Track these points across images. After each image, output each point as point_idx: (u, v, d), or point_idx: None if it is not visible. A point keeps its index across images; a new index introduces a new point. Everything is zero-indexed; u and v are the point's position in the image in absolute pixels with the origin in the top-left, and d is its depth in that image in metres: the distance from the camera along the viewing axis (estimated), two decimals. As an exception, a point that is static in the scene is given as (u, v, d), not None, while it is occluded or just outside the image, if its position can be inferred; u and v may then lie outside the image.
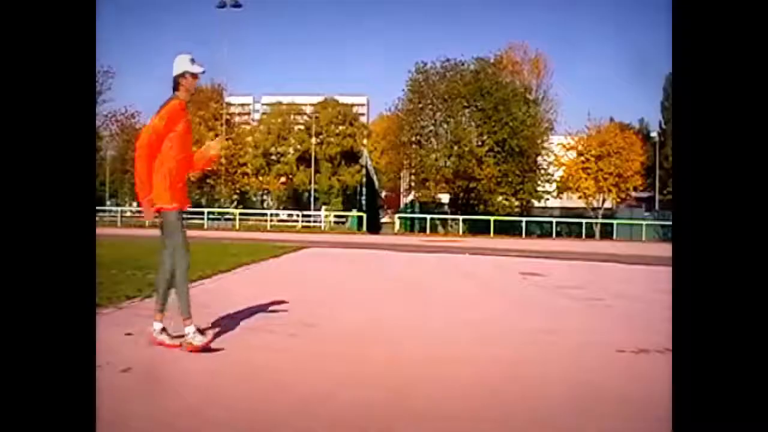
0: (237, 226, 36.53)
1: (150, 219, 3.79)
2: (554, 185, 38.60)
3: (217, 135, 43.69)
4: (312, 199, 57.80)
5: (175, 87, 3.88)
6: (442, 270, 10.84)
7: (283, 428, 2.45)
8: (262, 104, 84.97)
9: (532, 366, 3.63)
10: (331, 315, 5.43)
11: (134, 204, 57.12)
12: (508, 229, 35.40)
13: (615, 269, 12.49)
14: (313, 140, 60.54)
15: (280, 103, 70.90)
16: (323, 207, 53.27)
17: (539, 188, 37.81)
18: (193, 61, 3.88)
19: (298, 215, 43.40)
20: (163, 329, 3.83)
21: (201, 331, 3.80)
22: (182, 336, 3.76)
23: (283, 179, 64.88)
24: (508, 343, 4.34)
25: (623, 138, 37.65)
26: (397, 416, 2.62)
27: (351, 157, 64.33)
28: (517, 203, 37.32)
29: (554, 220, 36.91)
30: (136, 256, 10.19)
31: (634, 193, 40.85)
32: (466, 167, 35.76)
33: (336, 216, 44.33)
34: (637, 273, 11.40)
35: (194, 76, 3.89)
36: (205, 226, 36.05)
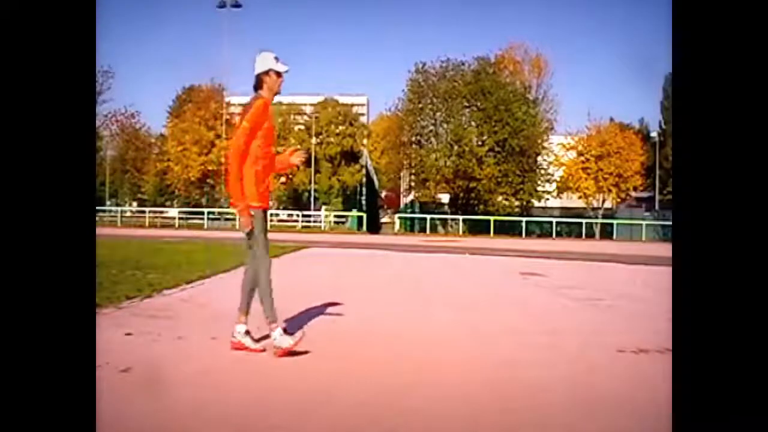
0: (237, 226, 36.45)
1: (248, 227, 3.72)
2: (554, 185, 38.61)
3: (218, 135, 43.75)
4: (312, 199, 57.80)
5: (258, 85, 3.81)
6: (442, 270, 10.84)
7: (283, 428, 2.45)
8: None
9: (532, 366, 3.63)
10: (331, 315, 5.43)
11: (134, 204, 57.21)
12: (508, 229, 35.40)
13: (615, 269, 12.49)
14: (313, 140, 60.53)
15: (280, 103, 70.83)
16: (323, 207, 53.29)
17: (539, 188, 37.81)
18: (277, 59, 3.81)
19: (298, 215, 43.41)
20: (248, 332, 3.75)
21: (288, 333, 3.70)
22: (248, 339, 3.72)
23: (283, 179, 64.87)
24: (508, 344, 4.34)
25: (623, 138, 37.66)
26: (397, 416, 2.62)
27: (351, 157, 64.33)
28: (517, 203, 37.32)
29: (554, 220, 36.91)
30: (136, 256, 10.20)
31: (634, 193, 40.86)
32: (466, 167, 35.77)
33: (336, 216, 44.34)
34: (637, 273, 11.40)
35: (278, 74, 3.81)
36: (205, 226, 36.07)
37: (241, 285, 3.89)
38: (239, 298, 3.86)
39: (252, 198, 3.70)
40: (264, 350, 3.68)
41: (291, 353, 3.59)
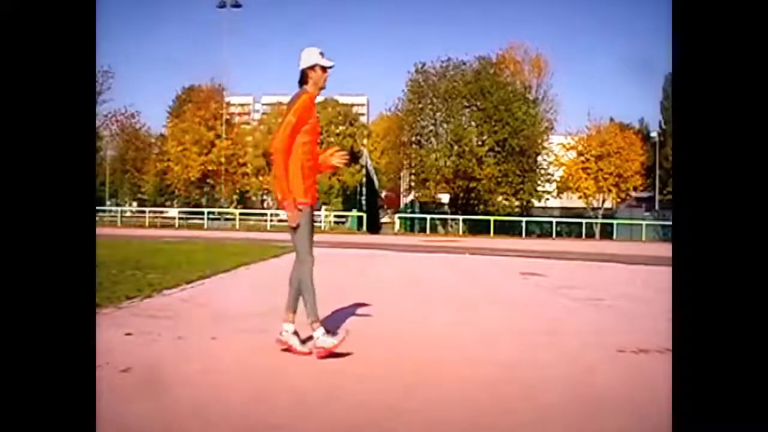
0: (237, 226, 36.55)
1: (296, 221, 3.66)
2: (554, 185, 38.61)
3: (218, 135, 43.75)
4: (312, 199, 57.66)
5: (303, 80, 3.78)
6: (442, 270, 10.83)
7: (283, 428, 2.45)
8: (262, 104, 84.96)
9: (532, 366, 3.63)
10: (330, 315, 5.43)
11: (134, 204, 57.21)
12: (508, 229, 35.41)
13: (615, 269, 12.49)
14: (313, 140, 60.41)
15: (280, 103, 70.77)
16: (323, 207, 53.27)
17: (539, 188, 37.81)
18: (322, 54, 3.78)
19: (298, 215, 43.31)
20: (295, 332, 3.71)
21: (331, 333, 3.66)
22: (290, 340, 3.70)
23: (282, 179, 64.83)
24: (508, 343, 4.34)
25: (623, 138, 37.67)
26: (397, 417, 2.62)
27: (351, 157, 64.27)
28: (517, 203, 37.33)
29: (554, 220, 36.92)
30: (136, 256, 10.20)
31: (634, 193, 40.87)
32: (466, 167, 35.77)
33: (336, 216, 44.34)
34: (637, 273, 11.40)
35: (324, 69, 3.78)
36: (205, 226, 36.09)
37: (289, 282, 3.83)
38: (286, 295, 3.81)
39: (299, 194, 3.66)
40: (311, 353, 3.64)
41: (333, 354, 3.56)
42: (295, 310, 3.76)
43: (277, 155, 3.63)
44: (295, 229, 3.71)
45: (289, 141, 3.63)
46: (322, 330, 3.62)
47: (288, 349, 3.67)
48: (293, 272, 3.83)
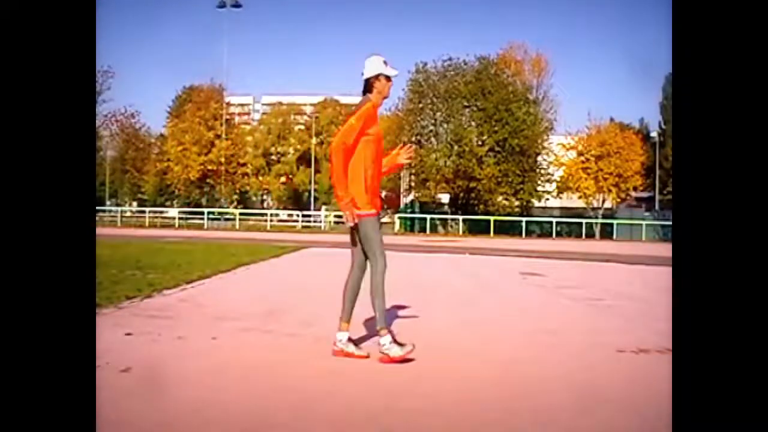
0: (237, 226, 36.56)
1: (352, 222, 3.72)
2: (554, 185, 38.60)
3: (218, 135, 43.76)
4: (312, 199, 57.81)
5: (368, 89, 3.78)
6: (442, 270, 10.83)
7: (283, 428, 2.45)
8: (262, 104, 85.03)
9: (532, 366, 3.63)
10: (331, 315, 5.43)
11: (134, 204, 57.24)
12: (508, 229, 35.41)
13: (615, 269, 12.49)
14: (313, 140, 60.56)
15: (280, 103, 70.99)
16: (323, 207, 53.26)
17: (539, 188, 37.80)
18: (386, 63, 3.79)
19: (298, 215, 43.43)
20: (350, 339, 3.71)
21: (399, 343, 3.62)
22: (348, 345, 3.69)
23: (283, 179, 64.94)
24: (508, 343, 4.34)
25: (623, 138, 37.67)
26: (397, 416, 2.62)
27: (351, 157, 64.21)
28: (517, 203, 37.33)
29: (554, 220, 36.92)
30: (136, 256, 10.20)
31: (634, 193, 40.87)
32: (466, 167, 35.77)
33: (336, 216, 44.30)
34: (637, 273, 11.40)
35: (388, 78, 3.79)
36: (205, 226, 36.09)
37: (343, 291, 3.85)
38: (341, 304, 3.81)
39: (363, 205, 3.70)
40: (368, 356, 3.64)
41: (400, 361, 3.54)
42: (350, 320, 3.77)
43: (335, 155, 3.62)
44: (352, 238, 3.84)
45: (351, 143, 3.62)
46: (389, 338, 3.59)
47: (348, 356, 3.65)
48: (348, 282, 3.88)
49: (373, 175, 3.75)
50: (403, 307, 6.06)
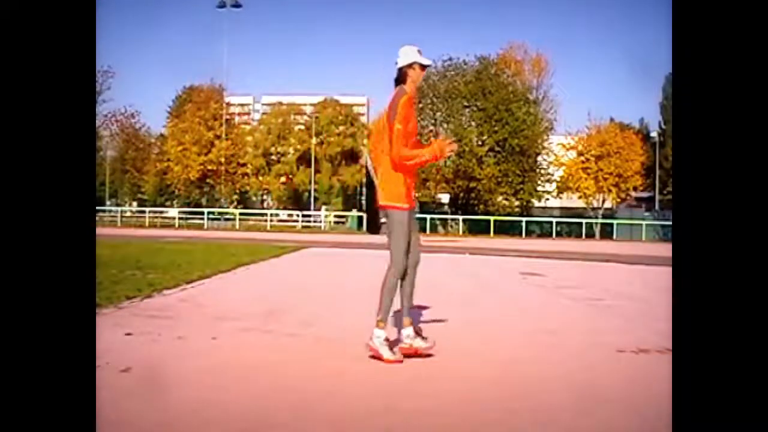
0: (237, 226, 36.57)
1: (449, 149, 3.70)
2: (554, 185, 38.63)
3: (218, 136, 43.75)
4: (312, 199, 57.82)
5: (401, 78, 3.73)
6: (442, 270, 10.83)
7: (283, 428, 2.45)
8: (262, 104, 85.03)
9: (532, 366, 3.63)
10: (331, 315, 5.43)
11: (134, 204, 57.23)
12: (508, 229, 35.44)
13: (615, 269, 12.49)
14: (313, 140, 60.57)
15: (280, 103, 70.96)
16: (323, 207, 53.29)
17: (539, 188, 37.84)
18: (420, 52, 3.75)
19: (298, 215, 43.44)
20: (418, 333, 3.67)
21: (422, 336, 3.63)
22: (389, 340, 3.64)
23: (283, 179, 64.93)
24: (508, 343, 4.34)
25: (623, 138, 37.70)
26: (397, 416, 2.62)
27: (351, 157, 64.36)
28: (517, 203, 37.36)
29: (554, 220, 36.95)
30: (136, 256, 10.20)
31: (634, 193, 40.89)
32: (466, 167, 35.81)
33: (336, 216, 44.35)
34: (637, 273, 11.40)
35: (423, 67, 3.75)
36: (205, 226, 36.12)
37: (400, 291, 3.82)
38: (400, 303, 3.79)
39: (400, 199, 3.68)
40: (432, 354, 3.63)
41: (415, 355, 3.55)
42: (409, 315, 3.77)
43: (401, 166, 3.63)
44: (394, 232, 3.80)
45: (403, 150, 3.60)
46: (384, 333, 3.58)
47: (413, 354, 3.62)
48: (404, 279, 3.86)
49: (408, 168, 3.71)
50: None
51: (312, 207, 53.98)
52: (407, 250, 3.78)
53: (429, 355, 3.64)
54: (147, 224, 38.06)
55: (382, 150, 3.76)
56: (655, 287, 8.12)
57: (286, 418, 2.56)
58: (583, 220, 36.76)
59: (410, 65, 3.72)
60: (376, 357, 3.54)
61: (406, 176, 3.71)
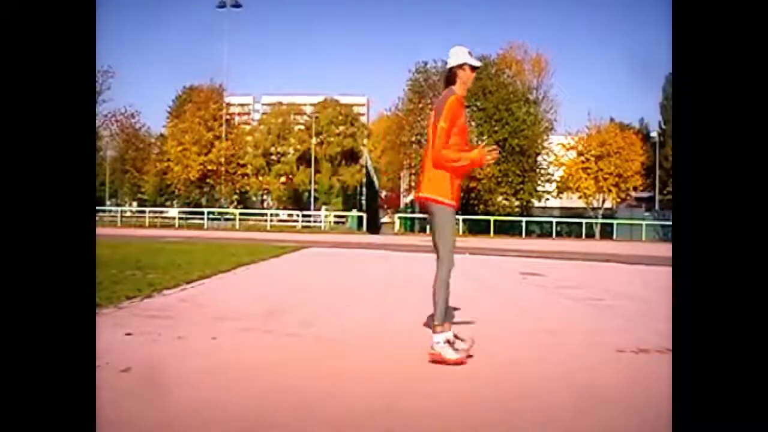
0: (237, 226, 36.57)
1: (490, 156, 3.73)
2: (554, 185, 38.62)
3: (217, 136, 43.75)
4: (312, 199, 57.81)
5: (451, 80, 3.74)
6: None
7: (283, 428, 2.45)
8: (262, 104, 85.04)
9: (532, 366, 3.63)
10: (331, 315, 5.43)
11: (134, 204, 57.24)
12: (508, 229, 35.43)
13: (615, 269, 12.49)
14: (313, 140, 60.57)
15: (280, 103, 70.95)
16: (323, 207, 53.27)
17: (539, 188, 37.83)
18: (470, 53, 3.75)
19: (298, 215, 43.42)
20: (448, 340, 3.62)
21: (453, 348, 3.58)
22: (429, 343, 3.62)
23: (283, 179, 64.92)
24: (508, 343, 4.34)
25: (623, 138, 37.69)
26: (397, 416, 2.62)
27: (351, 157, 64.38)
28: (517, 203, 37.35)
29: (554, 220, 36.95)
30: (136, 256, 10.20)
31: (634, 193, 40.89)
32: (466, 167, 35.78)
33: (336, 216, 44.34)
34: (637, 273, 11.40)
35: (473, 68, 3.74)
36: (205, 226, 36.12)
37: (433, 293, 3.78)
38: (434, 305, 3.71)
39: (446, 196, 3.65)
40: (471, 356, 3.61)
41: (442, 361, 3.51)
42: (451, 318, 3.73)
43: (442, 167, 3.61)
44: (437, 230, 3.77)
45: (444, 150, 3.59)
46: (444, 336, 3.56)
47: (439, 360, 3.57)
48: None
49: (455, 169, 3.70)
50: (403, 306, 6.07)
51: (312, 207, 53.97)
52: (454, 245, 3.78)
53: (460, 363, 3.54)
54: (147, 224, 38.06)
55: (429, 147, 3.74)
56: (655, 287, 8.12)
57: (286, 418, 2.56)
58: (583, 220, 36.75)
59: (460, 66, 3.71)
60: (439, 361, 3.50)
61: (453, 176, 3.68)
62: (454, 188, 3.69)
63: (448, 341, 3.59)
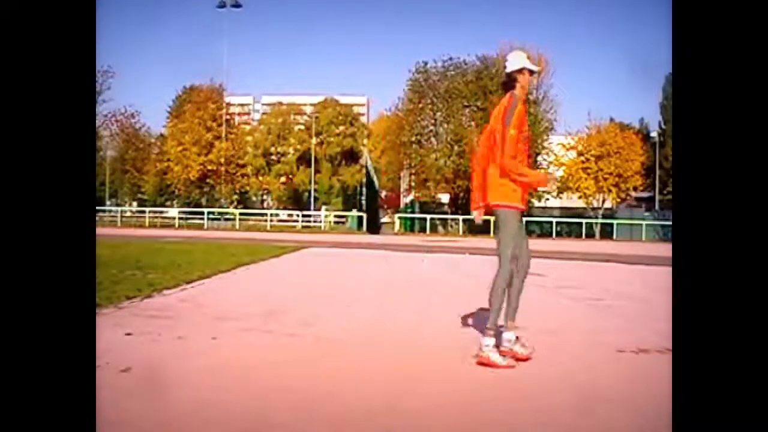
0: (237, 226, 36.56)
1: (546, 181, 3.77)
2: (554, 185, 38.56)
3: (217, 136, 43.75)
4: (312, 199, 57.82)
5: (510, 84, 3.74)
6: (442, 270, 10.83)
7: (283, 428, 2.45)
8: (262, 104, 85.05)
9: (532, 366, 3.63)
10: (331, 315, 5.43)
11: (134, 204, 57.24)
12: (508, 229, 35.33)
13: (615, 269, 12.49)
14: (313, 140, 60.58)
15: (280, 103, 70.97)
16: (323, 207, 53.28)
17: (539, 188, 37.78)
18: (529, 57, 3.76)
19: (298, 215, 43.42)
20: (517, 338, 3.65)
21: (522, 343, 3.61)
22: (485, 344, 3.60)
23: (283, 179, 64.94)
24: (508, 343, 4.33)
25: (623, 138, 37.66)
26: (397, 416, 2.62)
27: (351, 157, 64.40)
28: (517, 203, 37.27)
29: (554, 220, 36.92)
30: (136, 256, 10.20)
31: (634, 193, 40.85)
32: (466, 167, 35.75)
33: (336, 216, 44.33)
34: (637, 273, 11.40)
35: (531, 72, 3.76)
36: (205, 226, 36.11)
37: (507, 293, 3.80)
38: (505, 306, 3.74)
39: (512, 198, 3.66)
40: (530, 358, 3.62)
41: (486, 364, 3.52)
42: (514, 317, 3.76)
43: (513, 173, 3.60)
44: (506, 232, 3.77)
45: (512, 159, 3.59)
46: (493, 341, 3.56)
47: (519, 359, 3.60)
48: (511, 279, 3.85)
49: (519, 181, 3.68)
50: (403, 306, 6.07)
51: (312, 207, 53.96)
52: (515, 250, 3.78)
53: (509, 367, 3.54)
54: (147, 224, 38.05)
55: (489, 150, 3.73)
56: (655, 287, 8.12)
57: (286, 418, 2.56)
58: (583, 220, 36.73)
59: (519, 70, 3.71)
60: (487, 364, 3.50)
61: (518, 180, 3.67)
62: (521, 190, 3.69)
63: (511, 341, 3.63)
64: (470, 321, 5.34)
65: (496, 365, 3.48)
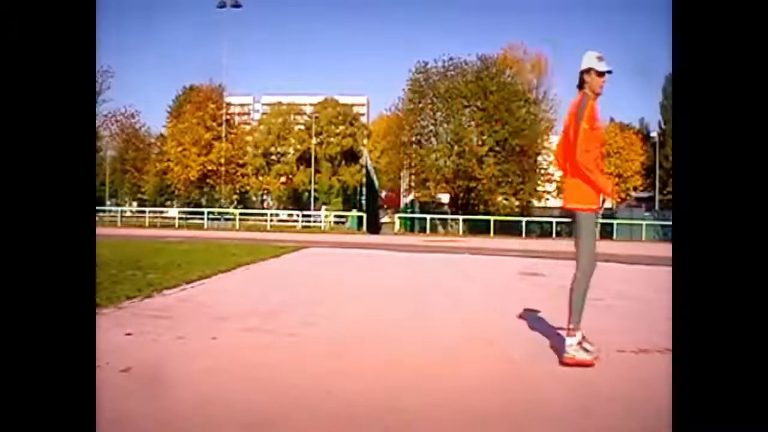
0: (237, 226, 36.55)
1: (611, 195, 3.68)
2: (554, 185, 38.59)
3: (217, 136, 43.75)
4: (312, 199, 57.83)
5: (581, 84, 3.77)
6: (442, 270, 10.83)
7: (283, 428, 2.45)
8: (262, 104, 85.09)
9: (532, 365, 3.63)
10: (331, 315, 5.43)
11: (134, 204, 57.26)
12: (508, 229, 35.39)
13: (615, 269, 12.49)
14: (313, 140, 60.60)
15: (280, 103, 71.00)
16: (323, 207, 53.29)
17: (539, 188, 37.80)
18: (600, 58, 3.75)
19: (298, 215, 43.40)
20: (579, 343, 3.63)
21: (585, 348, 3.59)
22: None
23: (283, 179, 64.97)
24: (508, 342, 4.34)
25: (623, 138, 37.70)
26: (397, 416, 2.62)
27: (351, 157, 64.42)
28: (517, 203, 37.31)
29: (554, 220, 36.91)
30: (136, 256, 10.20)
31: (634, 193, 40.88)
32: (466, 167, 35.79)
33: (336, 216, 44.33)
34: (637, 273, 11.40)
35: (600, 73, 3.75)
36: (205, 226, 36.10)
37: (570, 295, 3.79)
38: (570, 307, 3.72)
39: (587, 200, 3.70)
40: (596, 359, 3.61)
41: (578, 364, 3.52)
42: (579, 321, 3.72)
43: (586, 170, 3.64)
44: (583, 234, 3.78)
45: (588, 151, 3.64)
46: (576, 339, 3.58)
47: (578, 363, 3.57)
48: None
49: (587, 178, 3.70)
50: (403, 306, 6.07)
51: (312, 207, 53.99)
52: (595, 249, 3.78)
53: (589, 365, 3.55)
54: (147, 224, 38.03)
55: (565, 150, 3.78)
56: (655, 287, 8.12)
57: (286, 417, 2.56)
58: (583, 220, 36.70)
59: (586, 71, 3.74)
60: (573, 364, 3.51)
61: (586, 182, 3.67)
62: (592, 191, 3.71)
63: (579, 343, 3.63)
64: (470, 321, 5.34)
65: (584, 363, 3.50)
